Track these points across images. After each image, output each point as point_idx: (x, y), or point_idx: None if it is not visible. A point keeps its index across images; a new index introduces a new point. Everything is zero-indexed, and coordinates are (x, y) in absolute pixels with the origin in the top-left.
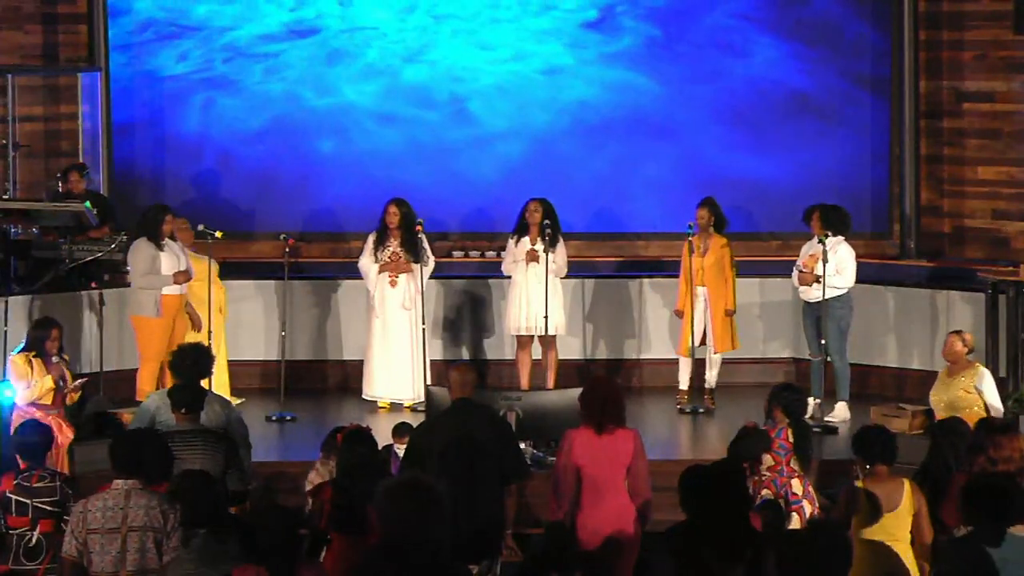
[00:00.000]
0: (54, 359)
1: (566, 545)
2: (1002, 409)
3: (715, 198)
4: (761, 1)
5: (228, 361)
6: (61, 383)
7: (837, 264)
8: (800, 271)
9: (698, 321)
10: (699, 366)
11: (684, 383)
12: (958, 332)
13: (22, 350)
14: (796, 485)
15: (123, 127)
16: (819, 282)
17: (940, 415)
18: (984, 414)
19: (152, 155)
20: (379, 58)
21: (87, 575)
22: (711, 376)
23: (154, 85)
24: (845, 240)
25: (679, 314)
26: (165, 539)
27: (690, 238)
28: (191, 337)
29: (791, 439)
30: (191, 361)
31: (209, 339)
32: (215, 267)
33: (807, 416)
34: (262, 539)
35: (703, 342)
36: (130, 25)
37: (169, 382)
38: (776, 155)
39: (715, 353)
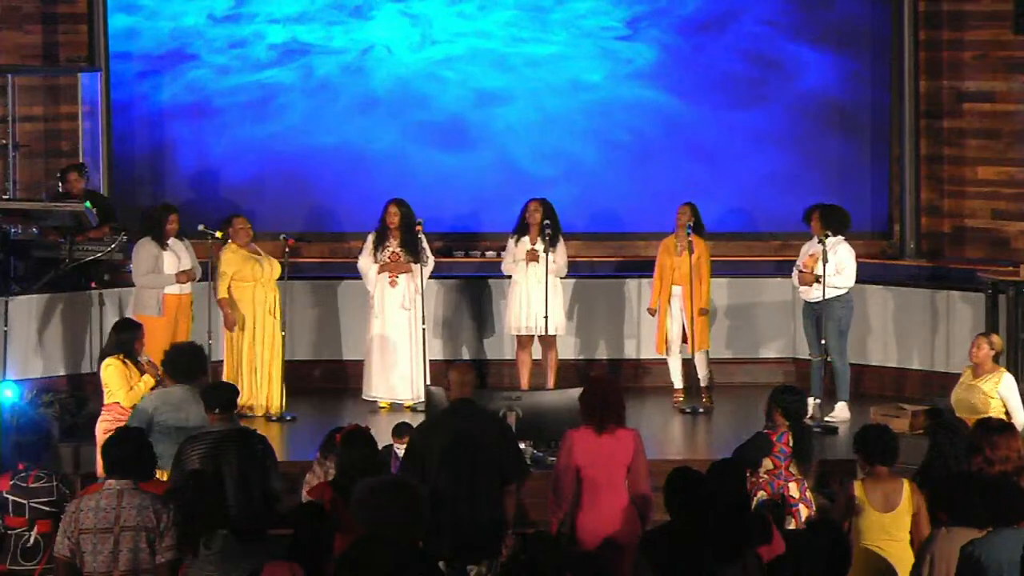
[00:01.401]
0: (143, 360)
1: (548, 555)
2: None
3: (695, 204)
4: (769, 4)
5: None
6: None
7: (837, 264)
8: (800, 271)
9: (675, 320)
10: (690, 365)
11: (678, 383)
12: (986, 334)
13: (110, 355)
14: (793, 488)
15: (123, 127)
16: (819, 282)
17: (960, 415)
18: (1004, 419)
19: (152, 155)
20: (391, 73)
21: (80, 575)
22: (703, 375)
23: (154, 85)
24: (845, 240)
25: (652, 312)
26: (158, 539)
27: (689, 238)
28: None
29: (791, 443)
30: (185, 360)
31: (209, 339)
32: (274, 269)
33: (807, 417)
34: (299, 537)
35: (684, 340)
36: (131, 26)
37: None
38: (776, 155)
39: (693, 352)
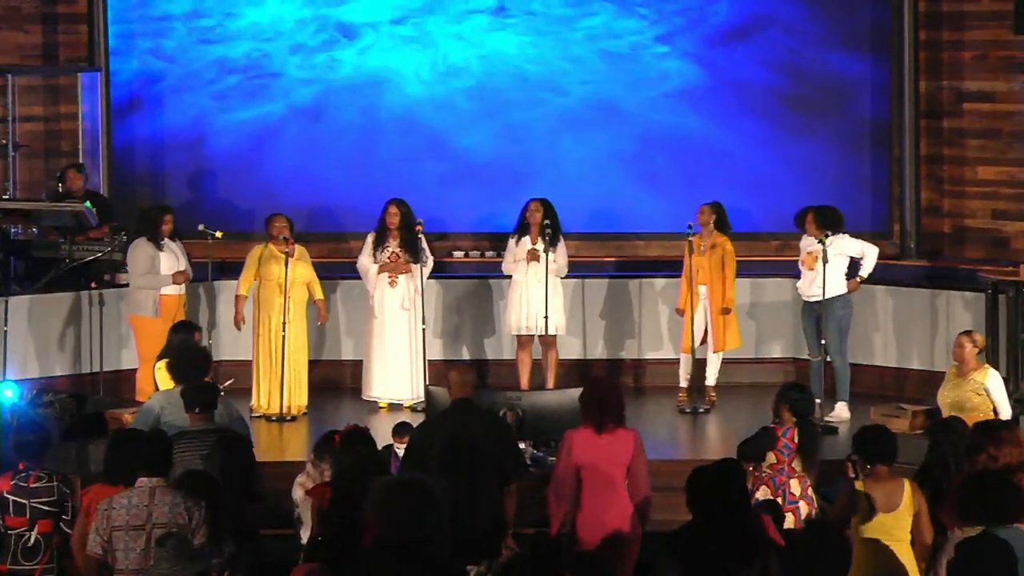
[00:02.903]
0: None
1: (548, 554)
2: (1010, 412)
3: (720, 202)
4: (773, 5)
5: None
6: None
7: (855, 253)
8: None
9: (699, 320)
10: (699, 365)
11: (684, 382)
12: (968, 332)
13: (163, 357)
14: (794, 485)
15: (123, 127)
16: (856, 281)
17: (947, 414)
18: (992, 415)
19: (152, 155)
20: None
21: (112, 572)
22: (711, 375)
23: (155, 85)
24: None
25: (680, 313)
26: (190, 536)
27: (690, 238)
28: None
29: (796, 439)
30: (188, 362)
31: (210, 340)
32: (293, 272)
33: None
34: (326, 537)
35: (704, 340)
36: (131, 24)
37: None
38: (776, 155)
39: (713, 352)
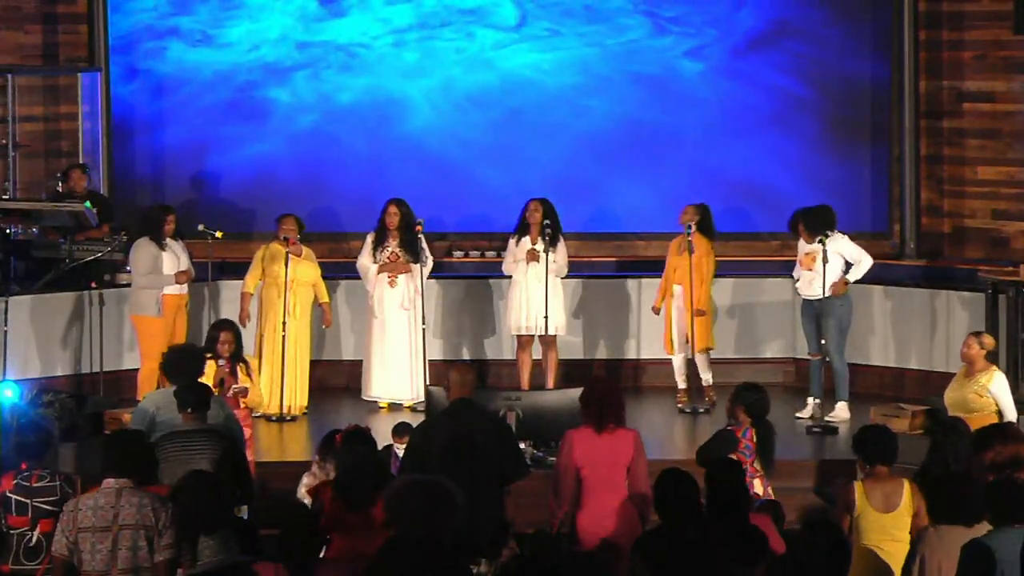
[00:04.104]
0: (221, 361)
1: (548, 554)
2: (1015, 414)
3: (708, 205)
4: (773, 8)
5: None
6: (220, 384)
7: (851, 256)
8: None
9: (675, 319)
10: (693, 366)
11: (682, 383)
12: (977, 334)
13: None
14: (757, 485)
15: (123, 127)
16: (843, 283)
17: (952, 414)
18: (996, 418)
19: (152, 155)
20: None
21: (78, 574)
22: (706, 377)
23: (154, 85)
24: (839, 233)
25: (655, 311)
26: (157, 537)
27: (689, 238)
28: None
29: (755, 440)
30: (183, 361)
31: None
32: (298, 272)
33: (807, 415)
34: (285, 537)
35: (687, 340)
36: (131, 24)
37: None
38: (776, 156)
39: (695, 352)
